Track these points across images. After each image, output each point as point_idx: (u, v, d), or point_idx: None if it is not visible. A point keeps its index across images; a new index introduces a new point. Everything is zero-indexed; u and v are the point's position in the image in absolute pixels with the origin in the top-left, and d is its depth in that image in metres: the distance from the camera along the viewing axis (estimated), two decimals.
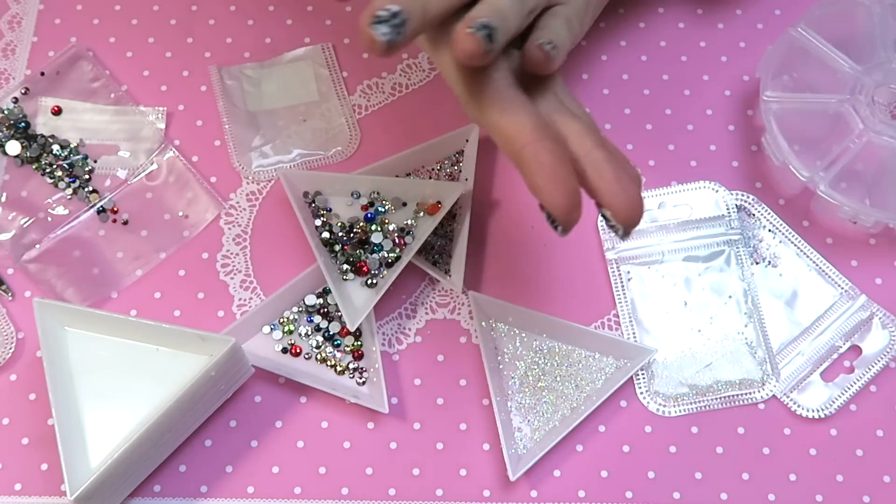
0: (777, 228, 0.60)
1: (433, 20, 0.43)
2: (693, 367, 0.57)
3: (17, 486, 0.55)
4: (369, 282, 0.57)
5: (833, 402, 0.57)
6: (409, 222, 0.59)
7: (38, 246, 0.60)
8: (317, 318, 0.58)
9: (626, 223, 0.43)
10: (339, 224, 0.58)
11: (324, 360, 0.57)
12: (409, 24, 0.41)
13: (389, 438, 0.56)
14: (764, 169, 0.62)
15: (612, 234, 0.45)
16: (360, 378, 0.57)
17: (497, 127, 0.44)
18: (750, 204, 0.61)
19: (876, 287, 0.59)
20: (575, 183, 0.42)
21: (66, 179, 0.61)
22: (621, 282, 0.59)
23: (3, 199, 0.61)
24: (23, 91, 0.63)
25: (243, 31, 0.66)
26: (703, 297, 0.59)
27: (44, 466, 0.55)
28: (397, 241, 0.58)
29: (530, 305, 0.57)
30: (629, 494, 0.55)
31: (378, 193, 0.59)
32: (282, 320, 0.58)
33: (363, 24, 0.41)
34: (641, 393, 0.57)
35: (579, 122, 0.45)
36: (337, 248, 0.58)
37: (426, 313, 0.59)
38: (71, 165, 0.61)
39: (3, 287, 0.59)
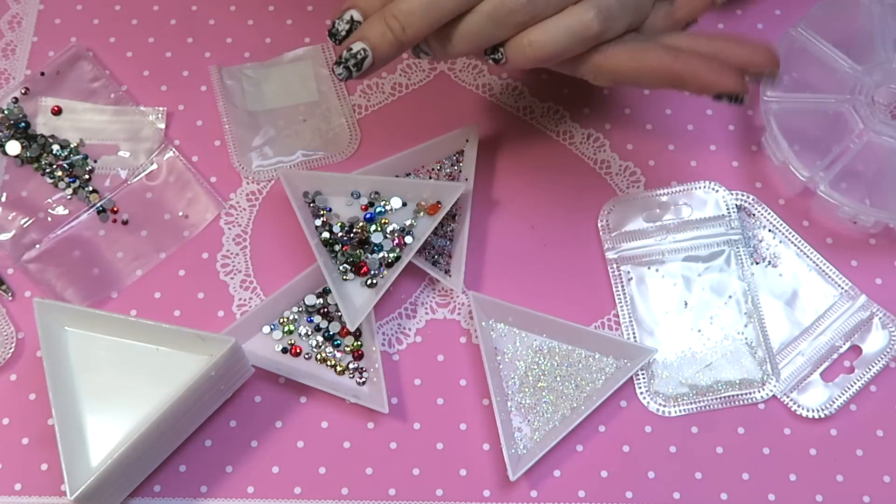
0: (777, 228, 0.60)
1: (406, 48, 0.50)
2: (693, 367, 0.57)
3: (17, 486, 0.55)
4: (369, 282, 0.57)
5: (833, 402, 0.57)
6: (409, 222, 0.59)
7: (38, 246, 0.60)
8: (317, 318, 0.58)
9: (774, 66, 0.51)
10: (339, 224, 0.58)
11: (324, 360, 0.57)
12: (367, 61, 0.49)
13: (389, 438, 0.56)
14: (764, 169, 0.62)
15: (765, 84, 0.54)
16: (360, 378, 0.57)
17: (640, 71, 0.50)
18: (750, 204, 0.61)
19: (876, 287, 0.59)
20: (727, 62, 0.50)
21: (66, 179, 0.61)
22: (621, 282, 0.59)
23: (3, 199, 0.61)
24: (23, 91, 0.63)
25: (243, 31, 0.66)
26: (703, 297, 0.59)
27: (44, 466, 0.55)
28: (397, 241, 0.58)
29: (530, 305, 0.57)
30: (629, 494, 0.55)
31: (378, 193, 0.59)
32: (282, 320, 0.58)
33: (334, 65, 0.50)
34: (641, 393, 0.57)
35: (681, 31, 0.53)
36: (337, 248, 0.58)
37: (426, 313, 0.59)
38: (71, 165, 0.61)
39: (3, 287, 0.59)
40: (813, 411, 0.56)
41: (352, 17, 0.50)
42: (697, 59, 0.49)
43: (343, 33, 0.50)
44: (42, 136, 0.62)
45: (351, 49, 0.49)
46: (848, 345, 0.58)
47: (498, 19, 0.49)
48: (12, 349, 0.57)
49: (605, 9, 0.49)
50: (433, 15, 0.49)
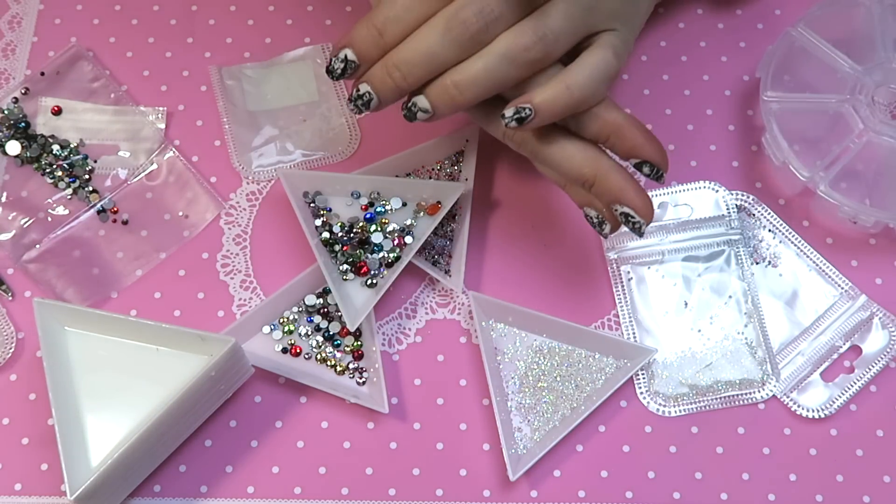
0: (777, 228, 0.60)
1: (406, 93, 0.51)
2: (693, 367, 0.57)
3: (17, 486, 0.55)
4: (369, 282, 0.57)
5: (833, 402, 0.57)
6: (409, 222, 0.59)
7: (38, 246, 0.60)
8: (317, 318, 0.58)
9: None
10: (339, 224, 0.58)
11: (324, 360, 0.57)
12: (373, 103, 0.51)
13: (389, 438, 0.56)
14: (764, 169, 0.62)
15: (630, 232, 0.52)
16: (360, 378, 0.57)
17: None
18: (750, 204, 0.61)
19: (876, 287, 0.59)
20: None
21: (66, 179, 0.61)
22: (621, 282, 0.59)
23: (3, 199, 0.61)
24: (23, 91, 0.63)
25: (243, 31, 0.66)
26: (703, 297, 0.59)
27: (44, 466, 0.55)
28: (397, 241, 0.58)
29: (530, 305, 0.57)
30: (629, 494, 0.55)
31: (378, 193, 0.59)
32: (282, 320, 0.58)
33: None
34: (641, 393, 0.57)
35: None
36: (337, 248, 0.58)
37: (426, 313, 0.59)
38: (71, 165, 0.61)
39: (3, 287, 0.59)
40: (813, 411, 0.56)
41: (346, 56, 0.51)
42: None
43: (339, 71, 0.51)
44: (42, 136, 0.62)
45: (359, 90, 0.51)
46: (848, 345, 0.58)
47: (512, 59, 0.49)
48: (12, 349, 0.57)
49: (623, 47, 0.51)
50: (433, 64, 0.49)
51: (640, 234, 0.51)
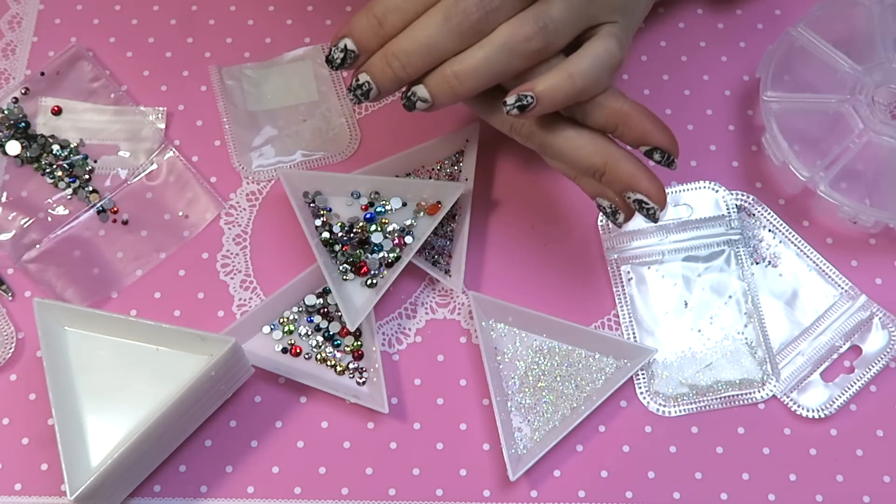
0: (777, 228, 0.60)
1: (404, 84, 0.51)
2: (693, 367, 0.57)
3: (17, 486, 0.55)
4: (369, 282, 0.57)
5: (833, 402, 0.57)
6: (409, 222, 0.59)
7: (38, 246, 0.60)
8: (317, 318, 0.58)
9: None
10: (339, 224, 0.58)
11: (324, 360, 0.57)
12: (372, 92, 0.51)
13: (389, 438, 0.56)
14: (764, 169, 0.62)
15: (646, 220, 0.52)
16: (360, 378, 0.57)
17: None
18: (750, 204, 0.61)
19: (876, 287, 0.59)
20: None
21: (66, 179, 0.61)
22: (621, 282, 0.59)
23: (3, 199, 0.61)
24: (23, 91, 0.63)
25: (243, 31, 0.66)
26: (703, 297, 0.59)
27: (44, 466, 0.55)
28: (397, 241, 0.58)
29: (530, 305, 0.57)
30: (629, 494, 0.55)
31: (378, 193, 0.59)
32: (282, 320, 0.58)
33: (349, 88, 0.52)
34: (641, 393, 0.57)
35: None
36: (337, 248, 0.58)
37: (426, 313, 0.59)
38: (71, 165, 0.61)
39: (3, 287, 0.59)
40: (813, 411, 0.56)
41: (345, 46, 0.50)
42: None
43: (338, 61, 0.51)
44: (42, 136, 0.62)
45: (358, 80, 0.51)
46: (848, 345, 0.58)
47: (513, 49, 0.49)
48: (12, 349, 0.57)
49: (625, 38, 0.51)
50: (433, 54, 0.49)
51: (655, 220, 0.51)
